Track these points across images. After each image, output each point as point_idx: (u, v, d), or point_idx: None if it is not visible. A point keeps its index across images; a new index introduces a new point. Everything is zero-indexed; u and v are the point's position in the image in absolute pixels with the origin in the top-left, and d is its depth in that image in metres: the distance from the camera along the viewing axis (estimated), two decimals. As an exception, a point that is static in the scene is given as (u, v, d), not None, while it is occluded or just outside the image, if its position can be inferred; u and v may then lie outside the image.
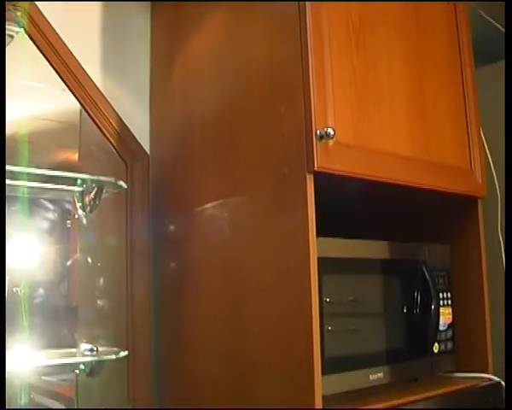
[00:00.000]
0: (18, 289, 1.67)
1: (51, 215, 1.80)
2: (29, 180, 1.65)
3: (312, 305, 1.37)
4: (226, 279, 1.62)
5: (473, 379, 1.79)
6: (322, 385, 1.37)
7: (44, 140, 1.80)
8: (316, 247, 1.39)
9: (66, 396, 1.80)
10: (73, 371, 1.76)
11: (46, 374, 1.78)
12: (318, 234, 1.41)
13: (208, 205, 1.68)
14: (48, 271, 1.78)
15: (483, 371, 1.81)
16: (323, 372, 1.39)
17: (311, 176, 1.40)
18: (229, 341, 1.60)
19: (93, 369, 1.72)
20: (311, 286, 1.37)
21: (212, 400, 1.64)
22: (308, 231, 1.39)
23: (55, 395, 1.80)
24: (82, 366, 1.74)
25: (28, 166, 1.61)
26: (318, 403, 1.36)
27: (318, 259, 1.40)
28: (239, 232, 1.59)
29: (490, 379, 1.80)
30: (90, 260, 1.79)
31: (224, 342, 1.62)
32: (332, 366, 1.47)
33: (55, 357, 1.67)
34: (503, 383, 1.80)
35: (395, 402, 1.53)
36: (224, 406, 1.59)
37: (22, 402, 1.68)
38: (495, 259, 1.96)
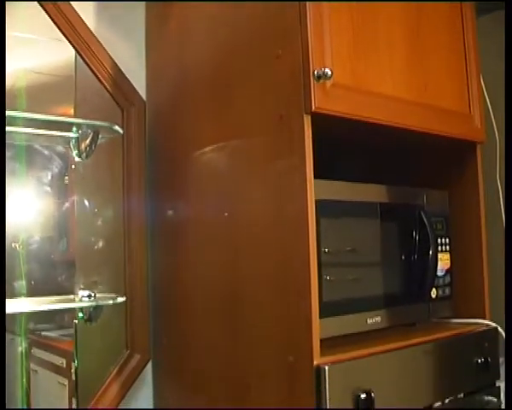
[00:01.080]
0: (16, 245, 1.67)
1: (48, 165, 1.79)
2: (25, 126, 1.64)
3: (310, 247, 1.36)
4: (223, 223, 1.61)
5: (470, 325, 1.79)
6: (319, 328, 1.37)
7: (40, 94, 1.77)
8: (313, 189, 1.38)
9: (66, 351, 1.81)
10: (72, 321, 1.77)
11: (46, 329, 1.81)
12: (316, 176, 1.39)
13: (205, 150, 1.66)
14: (45, 222, 1.77)
15: (480, 317, 1.81)
16: (321, 315, 1.39)
17: (309, 117, 1.39)
18: (227, 284, 1.60)
19: (91, 315, 1.73)
20: (308, 228, 1.36)
21: (209, 340, 1.65)
22: (306, 174, 1.38)
23: (55, 350, 1.83)
24: (80, 314, 1.75)
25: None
26: (316, 346, 1.36)
27: (316, 201, 1.39)
28: (236, 176, 1.58)
29: (487, 325, 1.80)
30: (86, 205, 1.78)
31: (221, 286, 1.62)
32: (329, 309, 1.47)
33: (53, 303, 1.67)
34: (499, 328, 1.81)
35: (392, 346, 1.53)
36: (220, 343, 1.61)
37: (22, 348, 1.69)
38: (493, 205, 1.95)
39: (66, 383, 1.77)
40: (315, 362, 1.36)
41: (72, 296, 1.73)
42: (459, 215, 1.84)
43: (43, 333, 1.82)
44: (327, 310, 1.45)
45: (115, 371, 1.74)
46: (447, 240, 1.80)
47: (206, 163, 1.68)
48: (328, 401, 1.34)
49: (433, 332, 1.69)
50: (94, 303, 1.67)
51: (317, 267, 1.39)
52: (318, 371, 1.35)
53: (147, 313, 1.78)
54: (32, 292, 1.68)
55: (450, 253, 1.82)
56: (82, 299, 1.69)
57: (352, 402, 1.39)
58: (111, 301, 1.68)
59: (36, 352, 1.80)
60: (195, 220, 1.71)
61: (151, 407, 1.88)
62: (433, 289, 1.75)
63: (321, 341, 1.38)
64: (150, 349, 1.80)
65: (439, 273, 1.77)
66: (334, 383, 1.36)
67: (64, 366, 1.82)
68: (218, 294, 1.63)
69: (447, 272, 1.80)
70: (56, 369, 1.82)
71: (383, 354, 1.49)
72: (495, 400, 1.77)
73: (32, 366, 1.79)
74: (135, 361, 1.76)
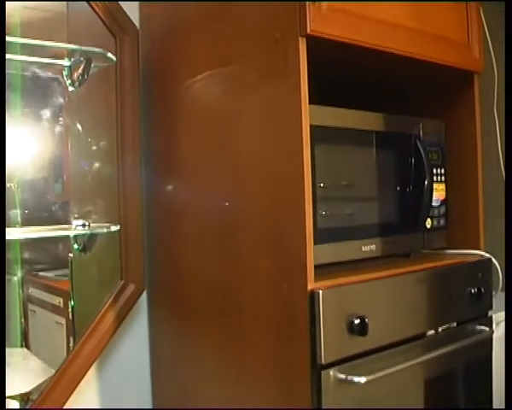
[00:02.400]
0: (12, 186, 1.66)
1: (41, 97, 1.76)
2: (18, 53, 1.62)
3: (305, 171, 1.35)
4: (218, 152, 1.60)
5: (464, 256, 1.80)
6: (314, 254, 1.37)
7: (33, 30, 1.74)
8: (308, 114, 1.37)
9: (62, 290, 1.82)
10: (67, 255, 1.78)
11: (42, 270, 1.81)
12: (311, 102, 1.38)
13: (199, 77, 1.64)
14: (39, 154, 1.76)
15: (474, 248, 1.82)
16: (315, 242, 1.39)
17: (304, 40, 1.36)
18: (221, 214, 1.60)
19: (85, 245, 1.73)
20: (303, 153, 1.35)
21: (204, 270, 1.66)
22: (300, 98, 1.36)
23: (52, 290, 1.83)
24: (76, 246, 1.75)
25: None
26: (310, 272, 1.37)
27: (311, 127, 1.38)
28: (230, 103, 1.56)
29: (481, 256, 1.81)
30: (80, 136, 1.77)
31: (215, 214, 1.61)
32: (324, 235, 1.48)
33: (47, 231, 1.66)
34: (493, 260, 1.81)
35: (386, 273, 1.54)
36: (214, 271, 1.62)
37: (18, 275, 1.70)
38: (489, 137, 1.94)
39: (64, 322, 1.78)
40: (309, 287, 1.36)
41: (66, 226, 1.72)
42: (455, 146, 1.83)
43: (40, 273, 1.82)
44: (321, 237, 1.46)
45: (110, 301, 1.75)
46: (443, 170, 1.80)
47: (200, 91, 1.66)
48: (322, 326, 1.36)
49: (428, 262, 1.70)
50: (88, 232, 1.67)
51: (311, 189, 1.38)
52: (312, 295, 1.36)
53: (141, 242, 1.78)
54: (27, 223, 1.67)
55: (446, 184, 1.81)
56: (76, 228, 1.68)
57: (345, 327, 1.40)
58: (105, 230, 1.68)
59: (33, 292, 1.81)
60: (190, 149, 1.70)
61: (146, 337, 1.89)
62: (428, 220, 1.75)
63: (315, 268, 1.39)
64: (145, 279, 1.81)
65: (434, 204, 1.77)
66: (328, 307, 1.37)
67: (61, 305, 1.83)
68: (213, 222, 1.63)
69: (442, 202, 1.80)
70: (54, 308, 1.83)
71: (377, 280, 1.51)
72: (487, 329, 1.79)
73: (30, 306, 1.80)
74: (129, 291, 1.76)
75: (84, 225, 1.69)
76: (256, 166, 1.49)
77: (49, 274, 1.84)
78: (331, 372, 1.39)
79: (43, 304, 1.83)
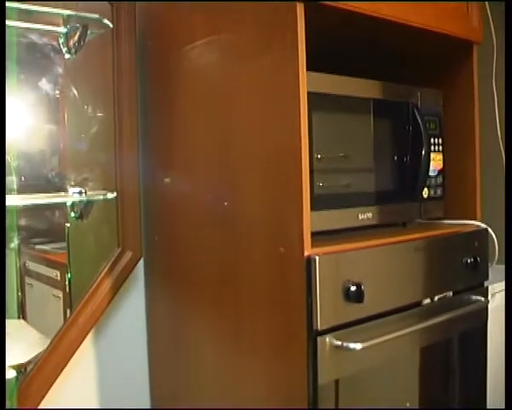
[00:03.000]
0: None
1: (37, 62, 1.75)
2: (14, 19, 1.60)
3: (302, 136, 1.35)
4: (215, 120, 1.59)
5: (460, 226, 1.80)
6: (310, 221, 1.37)
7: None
8: (306, 81, 1.36)
9: (60, 263, 1.83)
10: (64, 224, 1.77)
11: (39, 241, 1.81)
12: (308, 69, 1.37)
13: (196, 43, 1.62)
14: (36, 123, 1.75)
15: (471, 219, 1.82)
16: (312, 208, 1.39)
17: (302, 6, 1.35)
18: (218, 177, 1.59)
19: (82, 212, 1.72)
20: (300, 119, 1.35)
21: (201, 237, 1.66)
22: (298, 65, 1.35)
23: (49, 263, 1.84)
24: (72, 214, 1.75)
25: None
26: (307, 237, 1.37)
27: (308, 93, 1.37)
28: (228, 69, 1.55)
29: (477, 226, 1.81)
30: (77, 103, 1.76)
31: (213, 179, 1.61)
32: (321, 202, 1.48)
33: (44, 198, 1.66)
34: (490, 230, 1.82)
35: (383, 241, 1.55)
36: (211, 237, 1.61)
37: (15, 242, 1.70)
38: (487, 107, 1.93)
39: (61, 294, 1.78)
40: (306, 253, 1.36)
41: (63, 194, 1.72)
42: (453, 116, 1.83)
43: (37, 247, 1.82)
44: (318, 203, 1.46)
45: (107, 269, 1.75)
46: (440, 140, 1.79)
47: (197, 58, 1.64)
48: (318, 292, 1.36)
49: (424, 231, 1.70)
50: (85, 198, 1.66)
51: (308, 156, 1.38)
52: (309, 261, 1.36)
53: (138, 210, 1.78)
54: (23, 191, 1.66)
55: (443, 154, 1.81)
56: (73, 195, 1.67)
57: (342, 294, 1.41)
58: (101, 197, 1.68)
59: (30, 266, 1.82)
60: (188, 117, 1.69)
61: (143, 305, 1.90)
62: (425, 189, 1.75)
63: (312, 236, 1.39)
64: (142, 247, 1.81)
65: (432, 173, 1.76)
66: (325, 274, 1.37)
67: (58, 278, 1.83)
68: (209, 186, 1.63)
69: (439, 172, 1.79)
70: (51, 281, 1.84)
71: (374, 248, 1.51)
72: (482, 299, 1.80)
73: (27, 279, 1.81)
74: (126, 258, 1.76)
75: (80, 193, 1.68)
76: (253, 133, 1.48)
77: (47, 247, 1.84)
78: (327, 339, 1.39)
79: (40, 277, 1.83)
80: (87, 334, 1.73)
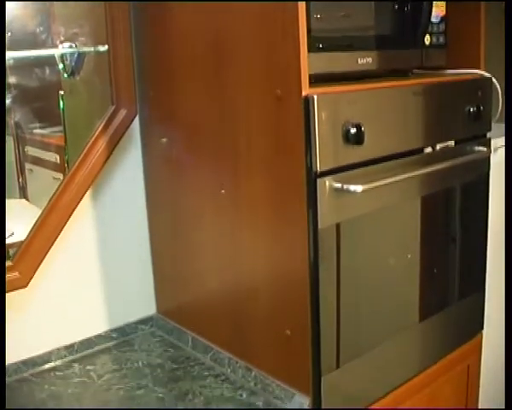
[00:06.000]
0: None
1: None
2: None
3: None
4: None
5: (464, 74, 1.75)
6: (308, 63, 1.32)
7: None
8: None
9: (58, 146, 1.82)
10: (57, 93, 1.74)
11: (37, 128, 1.80)
12: None
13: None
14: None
15: (475, 68, 1.77)
16: (310, 49, 1.33)
17: None
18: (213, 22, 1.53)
19: (73, 69, 1.68)
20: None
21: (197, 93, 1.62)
22: None
23: (47, 146, 1.83)
24: (65, 75, 1.70)
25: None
26: (305, 78, 1.32)
27: None
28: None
29: (481, 74, 1.76)
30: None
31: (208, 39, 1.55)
32: (319, 43, 1.42)
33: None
34: (493, 79, 1.77)
35: (383, 85, 1.50)
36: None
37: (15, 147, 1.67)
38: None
39: (61, 177, 1.75)
40: (303, 93, 1.32)
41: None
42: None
43: (35, 131, 1.81)
44: (316, 45, 1.41)
45: (101, 127, 1.71)
46: (443, -13, 1.72)
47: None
48: (317, 132, 1.33)
49: (426, 78, 1.66)
50: (75, 50, 1.61)
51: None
52: (307, 100, 1.32)
53: (131, 64, 1.71)
54: (9, 47, 1.60)
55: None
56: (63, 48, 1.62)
57: (341, 135, 1.38)
58: (92, 49, 1.62)
59: (29, 150, 1.81)
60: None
61: (141, 165, 1.88)
62: (427, 36, 1.69)
63: (311, 80, 1.34)
64: (136, 104, 1.76)
65: (434, 20, 1.70)
66: (324, 114, 1.34)
67: (58, 161, 1.82)
68: (206, 46, 1.57)
69: (442, 19, 1.72)
70: (50, 165, 1.83)
71: (374, 90, 1.47)
72: (485, 149, 1.77)
73: (27, 165, 1.80)
74: (121, 116, 1.72)
75: (70, 47, 1.63)
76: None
77: (44, 131, 1.83)
78: (327, 181, 1.37)
79: (40, 162, 1.83)
80: (84, 194, 1.71)
